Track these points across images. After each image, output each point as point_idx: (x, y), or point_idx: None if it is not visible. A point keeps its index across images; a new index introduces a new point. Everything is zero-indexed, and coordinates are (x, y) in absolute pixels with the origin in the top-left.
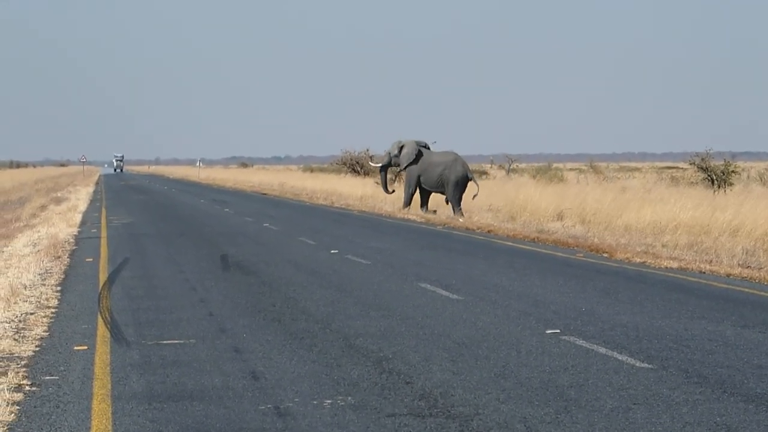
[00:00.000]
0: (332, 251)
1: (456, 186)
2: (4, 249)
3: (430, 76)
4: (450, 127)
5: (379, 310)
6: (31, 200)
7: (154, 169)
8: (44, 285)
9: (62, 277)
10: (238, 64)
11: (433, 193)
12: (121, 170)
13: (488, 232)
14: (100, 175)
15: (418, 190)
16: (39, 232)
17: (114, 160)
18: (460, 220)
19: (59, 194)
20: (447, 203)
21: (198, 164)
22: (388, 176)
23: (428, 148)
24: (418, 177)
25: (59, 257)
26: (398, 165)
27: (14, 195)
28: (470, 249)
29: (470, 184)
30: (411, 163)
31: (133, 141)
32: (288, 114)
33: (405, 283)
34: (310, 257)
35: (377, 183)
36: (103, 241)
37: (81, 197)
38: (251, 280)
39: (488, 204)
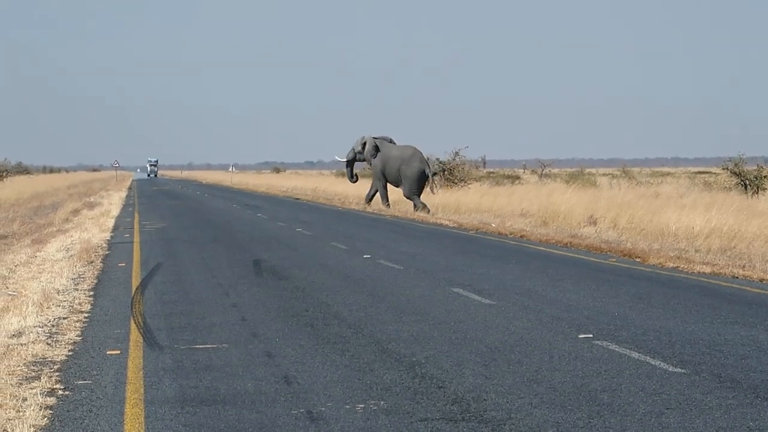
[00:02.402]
0: (365, 256)
1: (412, 181)
2: (38, 254)
3: (464, 82)
4: (483, 133)
5: (411, 315)
6: (64, 205)
7: (187, 174)
8: (77, 290)
9: (95, 281)
10: (272, 69)
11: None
12: (155, 175)
13: (521, 237)
14: (132, 180)
15: (383, 186)
16: (72, 237)
17: (148, 165)
18: (419, 213)
19: (92, 199)
20: (407, 198)
21: (231, 169)
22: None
23: (393, 143)
24: (382, 171)
25: (92, 262)
26: (361, 160)
27: (47, 200)
28: (503, 254)
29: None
30: (375, 158)
31: (167, 146)
32: (321, 119)
33: (437, 288)
34: (343, 262)
35: None
36: (136, 246)
37: (114, 202)
38: (284, 284)
39: (521, 209)
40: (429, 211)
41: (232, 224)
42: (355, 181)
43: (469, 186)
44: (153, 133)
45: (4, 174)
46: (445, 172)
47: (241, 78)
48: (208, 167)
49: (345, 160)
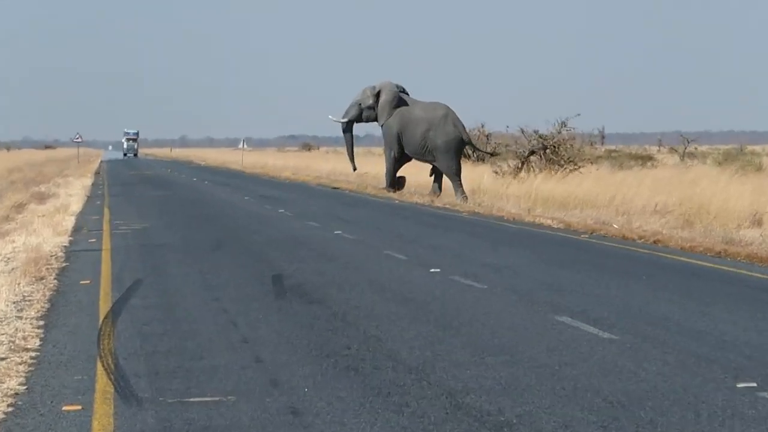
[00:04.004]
0: (432, 270)
1: (447, 153)
2: None
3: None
4: (596, 96)
5: (498, 355)
6: (2, 197)
7: (178, 152)
8: (20, 318)
9: (47, 306)
10: (299, 9)
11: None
12: (135, 154)
13: (654, 242)
14: (101, 162)
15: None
16: (13, 242)
17: (124, 140)
18: (459, 202)
19: (43, 188)
20: (432, 178)
21: (242, 146)
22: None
23: (406, 93)
24: (398, 135)
25: (42, 278)
26: (372, 119)
27: None
28: (628, 267)
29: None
30: (392, 112)
31: (151, 113)
32: (367, 78)
33: (535, 316)
34: (400, 278)
35: (497, 172)
36: (106, 256)
37: (74, 192)
38: (316, 311)
39: (654, 203)
40: (467, 199)
41: (243, 224)
42: (355, 169)
43: (581, 170)
44: (130, 96)
45: None
46: (547, 151)
47: (252, 15)
48: (210, 143)
49: (344, 121)
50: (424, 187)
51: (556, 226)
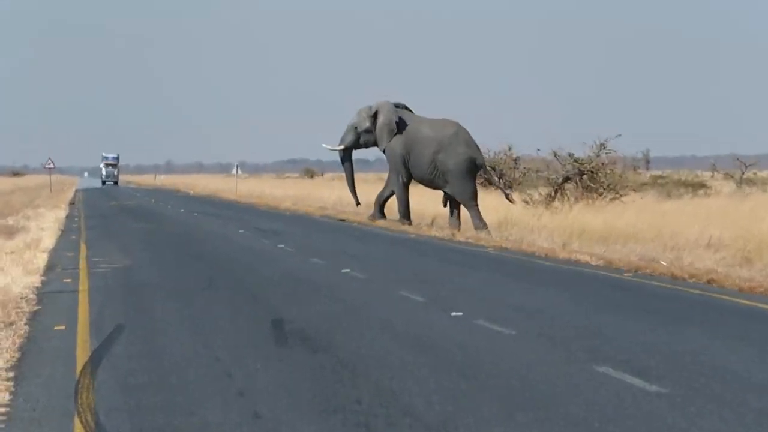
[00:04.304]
0: (453, 313)
1: (459, 177)
2: None
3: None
4: (639, 114)
5: (529, 410)
6: None
7: (164, 179)
8: None
9: (17, 355)
10: (300, 28)
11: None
12: (115, 182)
13: (707, 282)
14: (77, 191)
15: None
16: None
17: (102, 165)
18: (480, 234)
19: (11, 221)
20: (447, 208)
21: (235, 172)
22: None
23: (409, 110)
24: (404, 158)
25: (12, 324)
26: (371, 144)
27: None
28: (677, 309)
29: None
30: (393, 135)
31: (132, 135)
32: (377, 95)
33: (571, 366)
34: (417, 322)
35: (527, 201)
36: (83, 297)
37: (47, 226)
38: (322, 359)
39: (707, 237)
40: (487, 228)
41: (237, 261)
42: (358, 204)
43: (623, 199)
44: (108, 116)
45: None
46: (583, 177)
47: (247, 26)
48: (199, 169)
49: (341, 148)
50: (443, 217)
51: (595, 263)
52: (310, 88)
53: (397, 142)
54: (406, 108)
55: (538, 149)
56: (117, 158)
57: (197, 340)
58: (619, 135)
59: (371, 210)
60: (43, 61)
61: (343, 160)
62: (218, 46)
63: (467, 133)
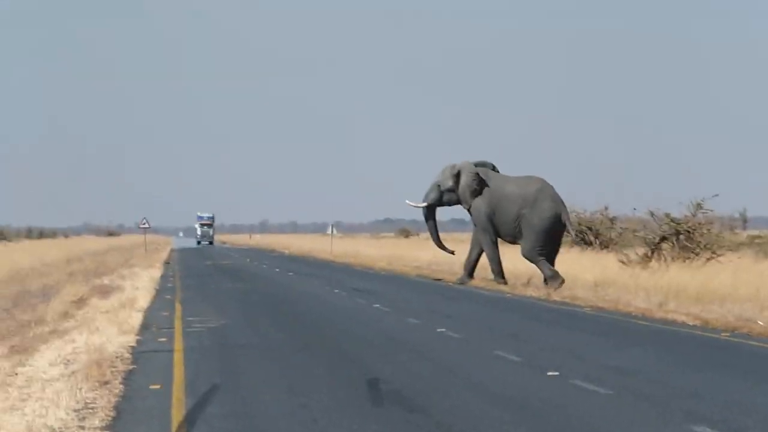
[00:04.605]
0: (549, 373)
1: (543, 234)
2: (19, 370)
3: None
4: (734, 172)
5: None
6: (61, 291)
7: (259, 239)
8: (83, 428)
9: (112, 414)
10: (395, 87)
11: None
12: (211, 241)
13: None
14: (172, 250)
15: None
16: (74, 341)
17: (198, 226)
18: (551, 288)
19: (106, 281)
20: (529, 260)
21: (330, 231)
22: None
23: (496, 170)
24: (490, 217)
25: (107, 383)
26: (454, 203)
27: (34, 283)
28: None
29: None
30: (477, 198)
31: (226, 195)
32: (471, 153)
33: (668, 426)
34: (512, 382)
35: (623, 261)
36: (178, 357)
37: (142, 285)
38: (418, 420)
39: None
40: (562, 283)
41: (332, 321)
42: (452, 252)
43: (720, 259)
44: (203, 175)
45: None
46: (680, 237)
47: (342, 84)
48: (294, 228)
49: (424, 205)
50: (539, 276)
51: (691, 323)
52: (405, 148)
53: (482, 201)
54: (493, 167)
55: (635, 208)
56: (212, 218)
57: (293, 400)
58: (716, 195)
59: (460, 275)
60: (138, 122)
61: (426, 217)
62: (311, 107)
63: (552, 188)
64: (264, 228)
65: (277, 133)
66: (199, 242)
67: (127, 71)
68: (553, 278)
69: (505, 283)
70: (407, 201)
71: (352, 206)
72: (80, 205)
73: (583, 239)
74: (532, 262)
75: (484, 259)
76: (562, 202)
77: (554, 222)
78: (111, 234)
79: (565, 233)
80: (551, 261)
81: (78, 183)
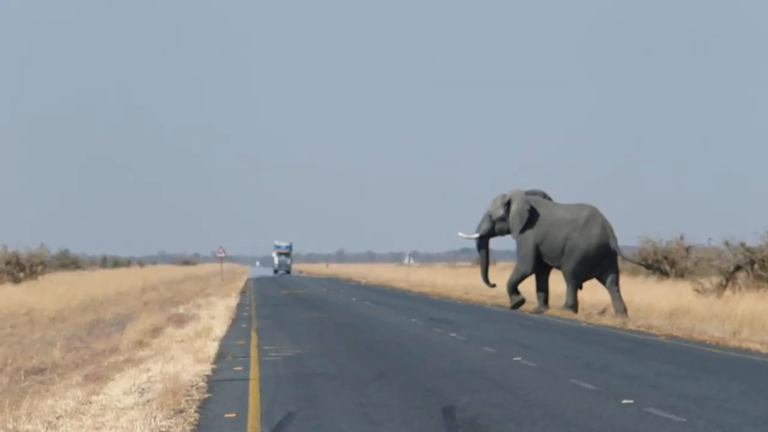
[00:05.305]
0: (624, 401)
1: (584, 259)
2: (94, 398)
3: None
4: None
5: None
6: (135, 319)
7: (336, 268)
8: None
9: None
10: (470, 118)
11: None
12: (287, 271)
13: None
14: (249, 279)
15: (533, 270)
16: (149, 370)
17: (275, 254)
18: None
19: (181, 310)
20: (567, 284)
21: (407, 261)
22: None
23: (549, 199)
24: (536, 247)
25: (182, 411)
26: (506, 232)
27: (108, 311)
28: None
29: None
30: (525, 226)
31: (303, 224)
32: (551, 179)
33: None
34: (588, 411)
35: (698, 290)
36: (254, 386)
37: (217, 314)
38: None
39: None
40: (626, 312)
41: (408, 350)
42: (494, 285)
43: None
44: (280, 205)
45: (40, 268)
46: (755, 266)
47: (417, 118)
48: (371, 258)
49: (476, 236)
50: (610, 305)
51: (765, 351)
52: (481, 177)
53: (531, 231)
54: (545, 195)
55: (710, 238)
56: (290, 247)
57: (369, 429)
58: None
59: (536, 306)
60: (216, 151)
61: (479, 247)
62: (387, 135)
63: (603, 216)
64: (340, 257)
65: (353, 162)
66: (276, 271)
67: (207, 97)
68: (571, 307)
69: (514, 307)
70: (460, 233)
71: (429, 236)
72: (156, 234)
73: (659, 268)
74: (567, 283)
75: (559, 288)
76: (612, 230)
77: (601, 248)
78: (187, 263)
79: (621, 261)
80: (615, 288)
81: (154, 212)
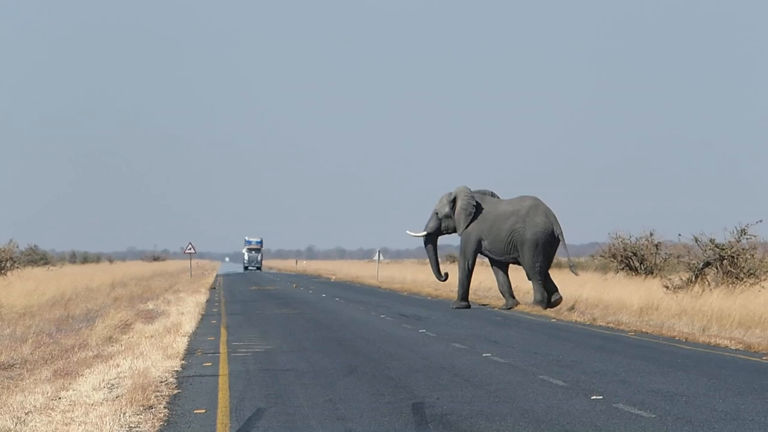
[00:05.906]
0: (593, 397)
1: (534, 248)
2: (63, 393)
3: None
4: None
5: None
6: (105, 315)
7: (306, 264)
8: None
9: None
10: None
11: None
12: (258, 267)
13: None
14: (218, 276)
15: (473, 265)
16: (118, 366)
17: (245, 251)
18: (534, 306)
19: (151, 306)
20: (530, 280)
21: (377, 257)
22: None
23: (495, 197)
24: (479, 242)
25: (151, 407)
26: (452, 230)
27: (79, 306)
28: None
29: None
30: (470, 222)
31: (272, 220)
32: (521, 179)
33: None
34: (558, 407)
35: (667, 287)
36: (223, 382)
37: (187, 310)
38: None
39: None
40: (561, 301)
41: (378, 347)
42: (445, 279)
43: (764, 284)
44: (249, 202)
45: (8, 264)
46: (724, 262)
47: (392, 113)
48: (341, 254)
49: (423, 234)
50: (582, 302)
51: (734, 348)
52: (454, 174)
53: (474, 227)
54: (492, 194)
55: (680, 234)
56: (260, 243)
57: (338, 425)
58: (760, 221)
59: (503, 301)
60: (184, 148)
61: (425, 244)
62: (359, 132)
63: (545, 205)
64: (310, 254)
65: (326, 158)
66: (246, 267)
67: (179, 91)
68: (540, 303)
69: (468, 306)
70: (408, 231)
71: (399, 232)
72: (125, 230)
73: (628, 265)
74: (530, 279)
75: (525, 285)
76: (555, 217)
77: (547, 235)
78: (156, 259)
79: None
80: (545, 274)
81: (123, 208)
